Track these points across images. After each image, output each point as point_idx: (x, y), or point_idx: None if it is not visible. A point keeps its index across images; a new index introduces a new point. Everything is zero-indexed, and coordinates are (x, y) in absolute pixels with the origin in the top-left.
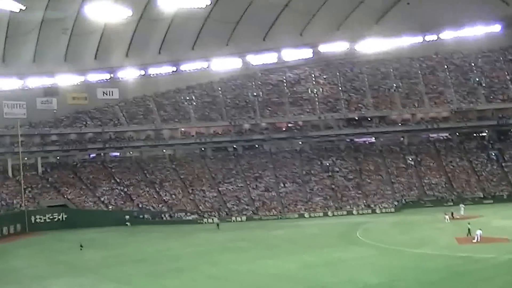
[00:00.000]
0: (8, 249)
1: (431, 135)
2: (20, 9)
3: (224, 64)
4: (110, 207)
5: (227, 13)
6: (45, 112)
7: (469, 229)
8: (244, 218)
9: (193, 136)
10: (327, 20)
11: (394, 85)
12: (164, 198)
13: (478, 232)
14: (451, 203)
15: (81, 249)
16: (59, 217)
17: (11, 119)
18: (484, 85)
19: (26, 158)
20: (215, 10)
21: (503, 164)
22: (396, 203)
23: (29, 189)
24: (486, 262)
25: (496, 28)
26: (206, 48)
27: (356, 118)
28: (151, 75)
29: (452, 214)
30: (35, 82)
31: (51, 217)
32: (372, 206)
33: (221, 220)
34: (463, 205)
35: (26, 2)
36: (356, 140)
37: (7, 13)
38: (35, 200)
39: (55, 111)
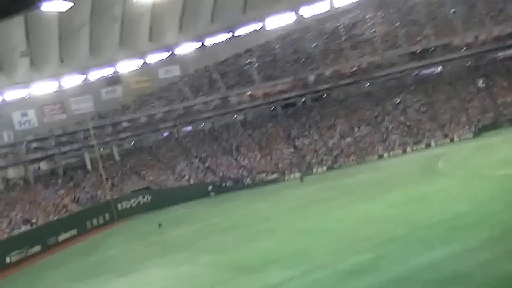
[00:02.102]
0: (100, 240)
1: (498, 55)
2: (68, 8)
3: (278, 21)
4: (192, 181)
5: None
6: (112, 101)
7: None
8: (324, 168)
9: (260, 97)
10: None
11: (452, 10)
12: (243, 163)
13: None
14: None
15: (159, 226)
16: (144, 200)
17: (81, 115)
18: None
19: (102, 149)
20: None
21: None
22: (473, 128)
23: (111, 178)
24: None
25: None
26: (258, 8)
27: (419, 51)
28: (208, 46)
29: None
30: (96, 74)
31: (136, 202)
32: (450, 135)
33: (302, 174)
34: None
35: None
36: (423, 72)
37: (55, 14)
38: (118, 188)
39: (121, 98)
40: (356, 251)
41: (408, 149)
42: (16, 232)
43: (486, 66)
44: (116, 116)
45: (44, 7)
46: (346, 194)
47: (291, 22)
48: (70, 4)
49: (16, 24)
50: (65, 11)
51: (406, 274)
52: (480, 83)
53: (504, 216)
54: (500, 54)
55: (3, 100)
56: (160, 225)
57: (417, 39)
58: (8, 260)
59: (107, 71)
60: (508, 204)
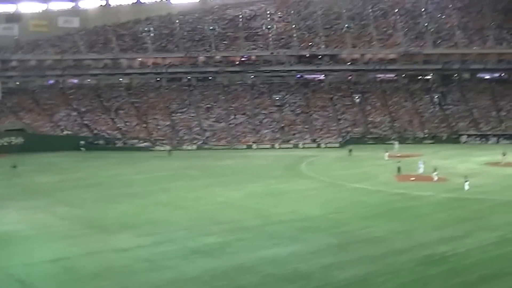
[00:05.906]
0: None
1: (378, 76)
2: None
3: None
4: (66, 132)
5: None
6: (6, 38)
7: (399, 168)
8: (194, 147)
9: (149, 66)
10: None
11: (346, 25)
12: (119, 125)
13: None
14: (393, 142)
15: (14, 168)
16: (16, 141)
17: None
18: (432, 30)
19: None
20: None
21: (445, 107)
22: (340, 139)
23: None
24: (422, 199)
25: None
26: None
27: (307, 55)
28: (112, 6)
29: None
30: None
31: (8, 141)
32: (318, 140)
33: (172, 148)
34: (397, 143)
35: None
36: (306, 76)
37: None
38: None
39: (16, 37)
40: (207, 233)
41: (276, 145)
42: None
43: (365, 84)
44: (7, 53)
45: None
46: (209, 176)
47: (196, 1)
48: None
49: None
50: None
51: (250, 264)
52: (356, 98)
53: (351, 227)
54: (380, 76)
55: None
56: (14, 166)
57: (308, 44)
58: None
59: (8, 7)
60: (356, 216)
